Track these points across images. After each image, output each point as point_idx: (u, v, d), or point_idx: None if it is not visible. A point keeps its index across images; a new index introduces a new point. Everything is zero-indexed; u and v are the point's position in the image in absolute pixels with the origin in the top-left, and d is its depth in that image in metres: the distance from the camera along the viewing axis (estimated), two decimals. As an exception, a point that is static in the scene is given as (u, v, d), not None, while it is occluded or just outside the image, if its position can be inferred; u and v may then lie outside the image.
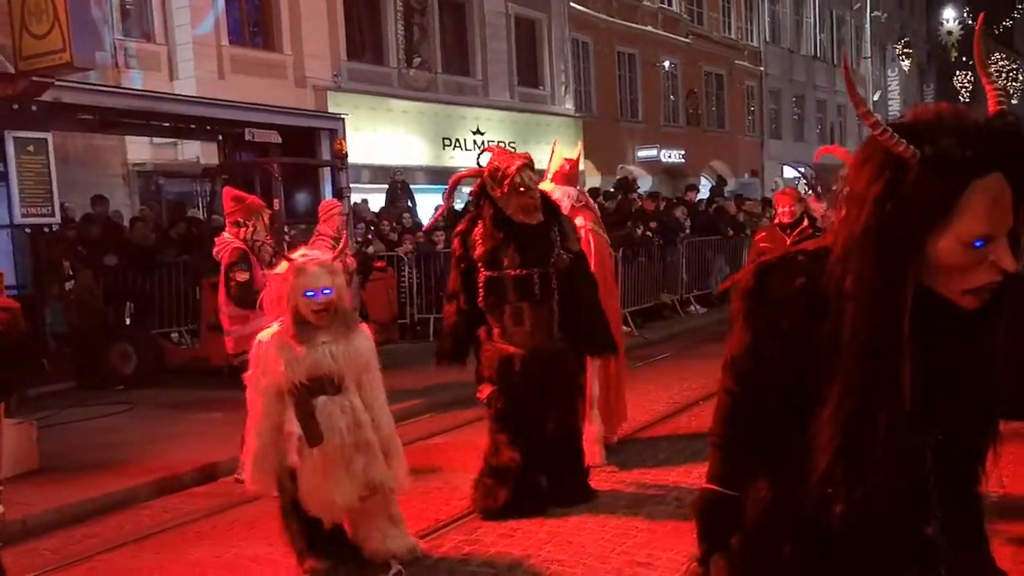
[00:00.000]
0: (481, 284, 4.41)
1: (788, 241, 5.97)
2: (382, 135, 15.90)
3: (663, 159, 24.83)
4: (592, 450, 5.13)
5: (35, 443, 5.62)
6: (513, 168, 4.32)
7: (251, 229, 5.47)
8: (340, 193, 9.90)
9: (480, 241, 4.41)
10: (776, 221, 6.74)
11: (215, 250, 5.57)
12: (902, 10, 42.74)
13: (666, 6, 25.63)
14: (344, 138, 10.48)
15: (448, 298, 4.64)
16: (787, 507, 1.45)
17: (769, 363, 1.43)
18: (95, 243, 9.73)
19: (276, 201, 8.82)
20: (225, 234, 5.56)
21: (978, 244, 1.25)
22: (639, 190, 16.64)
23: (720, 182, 21.42)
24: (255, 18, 15.11)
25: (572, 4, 21.66)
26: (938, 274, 1.29)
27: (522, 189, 4.32)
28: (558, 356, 4.46)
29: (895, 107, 40.26)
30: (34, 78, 8.06)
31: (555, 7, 21.02)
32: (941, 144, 1.24)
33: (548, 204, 4.54)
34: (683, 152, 25.66)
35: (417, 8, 17.38)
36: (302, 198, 10.25)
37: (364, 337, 3.67)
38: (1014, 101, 52.73)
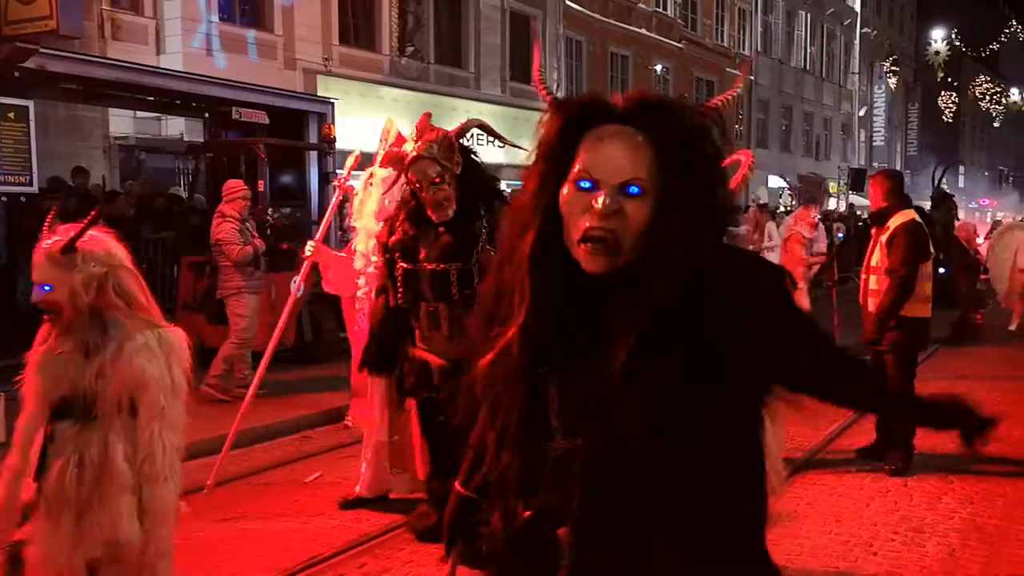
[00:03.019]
0: (399, 277, 3.78)
1: None
2: (371, 122, 15.68)
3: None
4: None
5: (3, 415, 5.52)
6: (407, 159, 3.67)
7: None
8: (327, 178, 9.80)
9: (398, 226, 3.81)
10: None
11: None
12: (892, 27, 43.12)
13: (660, 10, 25.66)
14: (333, 123, 10.37)
15: (377, 292, 4.02)
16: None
17: None
18: (73, 215, 9.55)
19: (260, 183, 8.72)
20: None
21: (585, 185, 1.27)
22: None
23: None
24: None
25: (567, 2, 21.62)
26: (566, 228, 1.29)
27: (418, 186, 3.66)
28: None
29: (879, 123, 40.62)
30: (18, 43, 7.91)
31: (550, 4, 20.98)
32: (569, 97, 1.38)
33: (481, 193, 3.83)
34: (670, 156, 25.74)
35: (412, -4, 17.26)
36: (288, 181, 10.14)
37: (143, 348, 2.58)
38: (996, 124, 53.50)
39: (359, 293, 4.56)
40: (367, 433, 4.46)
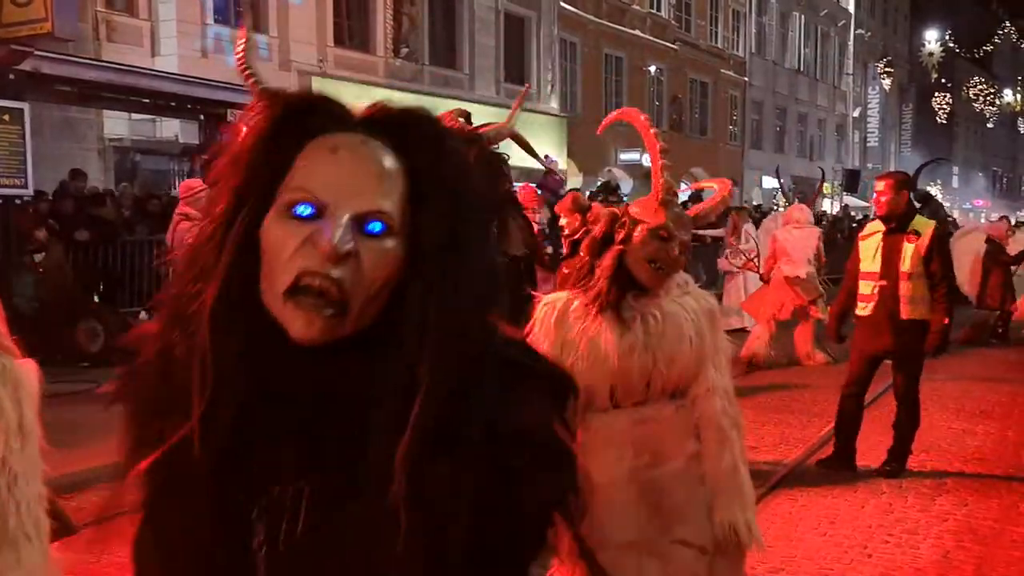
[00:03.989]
0: None
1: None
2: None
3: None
4: None
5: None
6: None
7: None
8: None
9: None
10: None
11: None
12: (885, 28, 43.26)
13: (655, 11, 25.71)
14: (327, 124, 10.37)
15: None
16: None
17: None
18: (68, 217, 9.55)
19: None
20: None
21: (303, 211, 0.84)
22: (622, 193, 16.66)
23: (699, 189, 21.56)
24: (242, -2, 14.92)
25: (562, 4, 21.65)
26: (267, 274, 0.85)
27: None
28: None
29: (873, 123, 40.76)
30: (13, 46, 7.90)
31: (545, 6, 21.00)
32: (287, 89, 0.95)
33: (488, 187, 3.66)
34: (664, 157, 25.80)
35: (407, -2, 17.29)
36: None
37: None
38: (990, 125, 53.73)
39: None
40: None
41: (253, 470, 0.86)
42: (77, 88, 9.33)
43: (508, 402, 0.87)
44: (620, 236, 2.26)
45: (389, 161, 0.88)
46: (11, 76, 7.95)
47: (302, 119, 0.90)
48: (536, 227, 6.61)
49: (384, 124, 0.90)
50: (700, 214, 2.60)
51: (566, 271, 3.88)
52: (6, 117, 7.94)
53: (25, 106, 8.12)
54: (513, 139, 3.57)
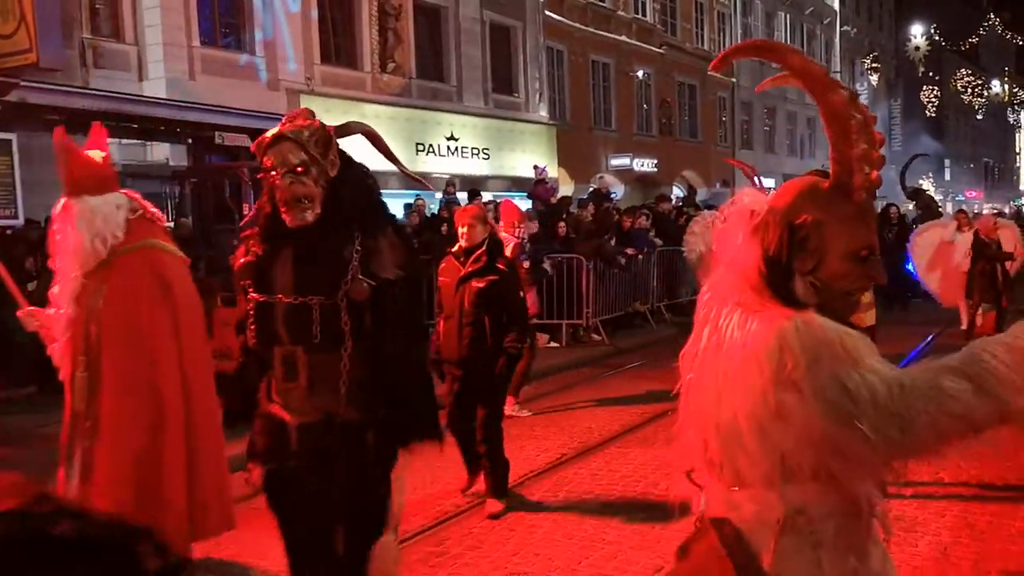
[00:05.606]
0: (250, 312, 2.84)
1: (463, 271, 4.87)
2: (354, 139, 15.74)
3: (636, 168, 24.98)
4: None
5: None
6: (265, 139, 2.79)
7: None
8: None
9: (250, 244, 2.89)
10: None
11: None
12: (871, 25, 43.46)
13: (640, 16, 25.81)
14: (316, 143, 10.39)
15: (237, 328, 2.98)
16: None
17: None
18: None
19: (246, 206, 8.73)
20: None
21: None
22: (614, 197, 16.74)
23: (691, 192, 21.59)
24: (227, 19, 14.97)
25: (547, 12, 21.73)
26: None
27: (272, 172, 2.75)
28: (351, 437, 2.75)
29: (863, 120, 40.89)
30: (-1, 77, 7.93)
31: (530, 15, 21.08)
32: None
33: (359, 212, 2.86)
34: (656, 161, 25.84)
35: (392, 13, 17.34)
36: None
37: None
38: (979, 117, 53.91)
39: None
40: None
41: None
42: (65, 116, 9.33)
43: None
44: None
45: None
46: (-2, 107, 7.99)
47: None
48: (516, 242, 6.51)
49: None
50: None
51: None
52: (-6, 148, 7.97)
53: (13, 136, 8.15)
54: (367, 137, 3.20)
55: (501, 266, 4.88)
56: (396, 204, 14.64)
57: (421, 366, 3.00)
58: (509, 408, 6.10)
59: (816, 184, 1.70)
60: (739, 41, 29.29)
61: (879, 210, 17.59)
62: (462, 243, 4.90)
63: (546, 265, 9.90)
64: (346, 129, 3.04)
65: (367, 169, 3.05)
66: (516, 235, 6.59)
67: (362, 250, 2.79)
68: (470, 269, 4.83)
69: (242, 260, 2.87)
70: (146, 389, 3.26)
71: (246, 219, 3.50)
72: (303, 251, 2.78)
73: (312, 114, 2.90)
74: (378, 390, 2.79)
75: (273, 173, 2.74)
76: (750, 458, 1.57)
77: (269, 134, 2.78)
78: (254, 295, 2.83)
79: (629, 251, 12.40)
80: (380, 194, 3.09)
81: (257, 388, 2.91)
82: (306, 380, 2.77)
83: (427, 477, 5.24)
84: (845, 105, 1.65)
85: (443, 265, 5.08)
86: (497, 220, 6.98)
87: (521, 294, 5.17)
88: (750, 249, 1.64)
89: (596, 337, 11.22)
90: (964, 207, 22.29)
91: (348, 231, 2.81)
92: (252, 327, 2.83)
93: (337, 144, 2.92)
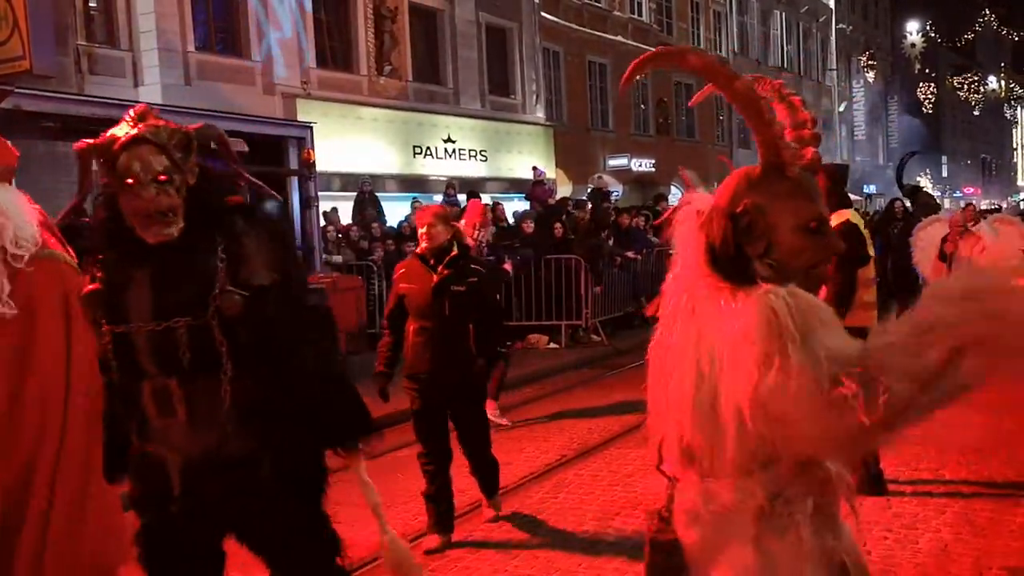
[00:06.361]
0: (107, 346, 2.43)
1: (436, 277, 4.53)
2: (352, 143, 15.80)
3: (634, 168, 24.99)
4: None
5: None
6: (118, 142, 2.40)
7: None
8: (308, 202, 9.80)
9: (91, 267, 2.50)
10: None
11: None
12: (867, 22, 43.48)
13: (636, 16, 25.83)
14: (312, 146, 10.37)
15: (101, 367, 2.53)
16: None
17: None
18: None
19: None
20: None
21: None
22: (614, 196, 16.74)
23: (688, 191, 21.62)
24: (223, 24, 14.96)
25: (543, 14, 21.74)
26: None
27: (129, 181, 2.33)
28: (243, 474, 2.39)
29: (859, 117, 40.91)
30: (-7, 85, 7.91)
31: (526, 16, 21.08)
32: None
33: (217, 213, 2.48)
34: (653, 161, 25.84)
35: (388, 16, 17.32)
36: (270, 208, 10.14)
37: None
38: (976, 113, 53.95)
39: None
40: None
41: None
42: (60, 123, 9.32)
43: None
44: None
45: None
46: (-7, 115, 7.96)
47: None
48: (472, 243, 6.25)
49: None
50: None
51: None
52: (-11, 156, 7.94)
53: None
54: (217, 142, 2.80)
55: (477, 267, 4.72)
56: (394, 207, 14.63)
57: (342, 379, 2.54)
58: (490, 413, 6.04)
59: (750, 171, 1.73)
60: (734, 41, 29.17)
61: (884, 206, 17.59)
62: (423, 244, 4.60)
63: (506, 266, 9.80)
64: (205, 133, 2.64)
65: (224, 169, 2.74)
66: (474, 237, 6.36)
67: (227, 257, 2.41)
68: (446, 274, 4.52)
69: (87, 289, 2.45)
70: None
71: (86, 239, 2.87)
72: (161, 269, 2.40)
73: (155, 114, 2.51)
74: (278, 415, 2.42)
75: (129, 181, 2.33)
76: (730, 443, 1.57)
77: (120, 134, 2.39)
78: (107, 327, 2.41)
79: (629, 254, 12.39)
80: (243, 192, 2.81)
81: (128, 430, 2.49)
82: (185, 414, 2.39)
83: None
84: (749, 88, 1.69)
85: (403, 270, 4.69)
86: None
87: (497, 295, 5.03)
88: (699, 246, 1.70)
89: (595, 338, 11.21)
90: (963, 202, 22.26)
91: (210, 241, 2.43)
92: (114, 363, 2.43)
93: (196, 147, 2.51)
